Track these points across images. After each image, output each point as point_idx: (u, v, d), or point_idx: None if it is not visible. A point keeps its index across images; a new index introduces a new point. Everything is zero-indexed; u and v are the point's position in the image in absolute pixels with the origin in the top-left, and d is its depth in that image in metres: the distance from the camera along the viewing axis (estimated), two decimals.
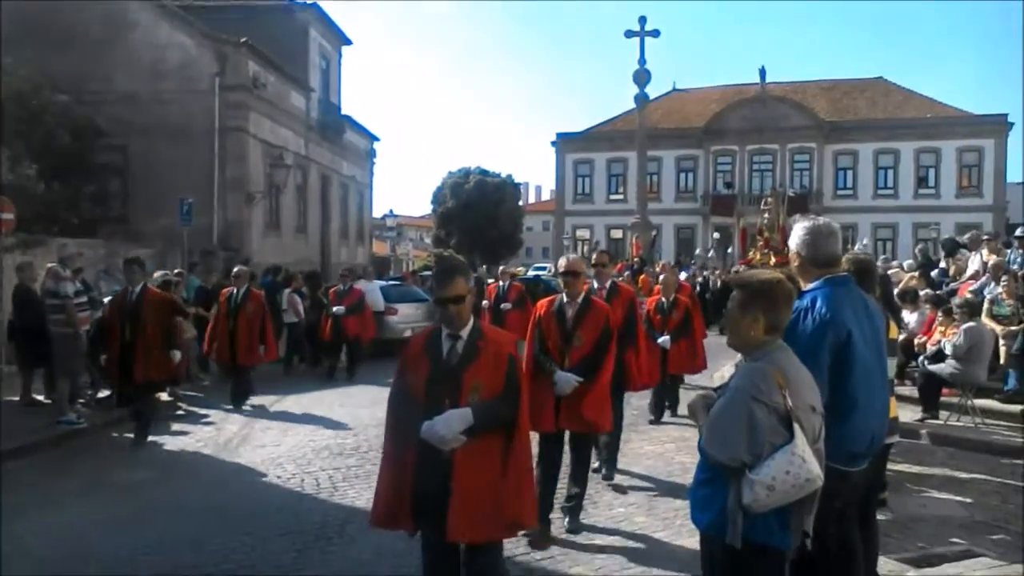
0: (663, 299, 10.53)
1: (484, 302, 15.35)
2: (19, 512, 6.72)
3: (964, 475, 7.85)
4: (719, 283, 23.41)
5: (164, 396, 11.68)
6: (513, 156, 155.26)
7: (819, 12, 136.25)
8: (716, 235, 42.42)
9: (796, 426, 2.91)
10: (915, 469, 8.00)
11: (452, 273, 3.73)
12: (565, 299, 6.00)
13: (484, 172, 53.96)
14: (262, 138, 23.04)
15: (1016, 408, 9.95)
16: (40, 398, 11.13)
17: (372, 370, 14.44)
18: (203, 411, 11.50)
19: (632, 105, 30.81)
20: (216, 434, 10.02)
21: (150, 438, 9.38)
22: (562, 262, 6.30)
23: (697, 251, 39.88)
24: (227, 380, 12.31)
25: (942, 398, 10.21)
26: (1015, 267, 12.41)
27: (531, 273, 35.66)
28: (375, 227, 39.60)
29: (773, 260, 23.36)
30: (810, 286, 3.80)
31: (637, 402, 10.18)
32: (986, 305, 10.91)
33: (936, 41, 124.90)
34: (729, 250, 36.53)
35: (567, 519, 6.10)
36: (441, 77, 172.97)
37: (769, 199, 27.34)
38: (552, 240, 56.51)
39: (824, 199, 46.77)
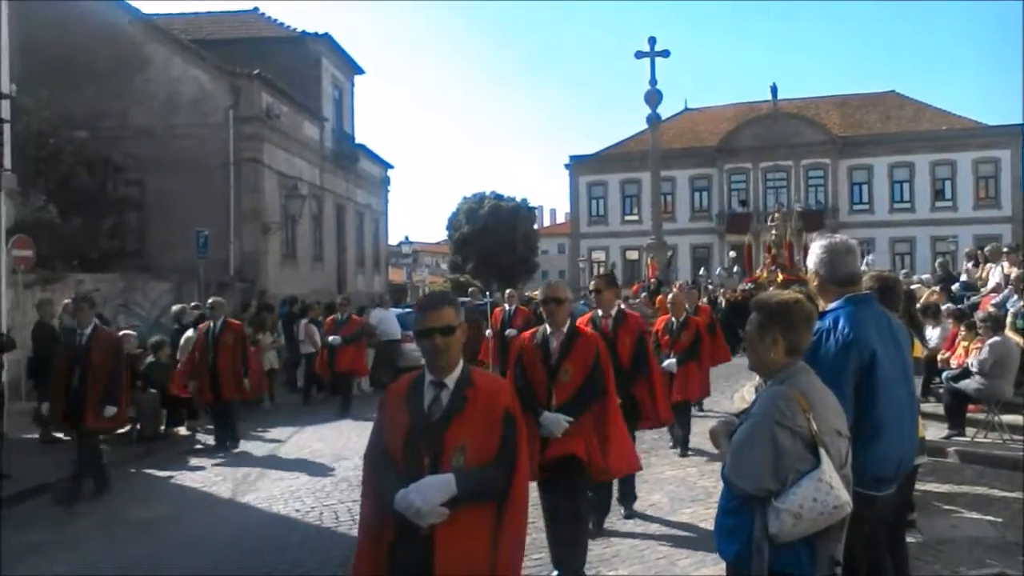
0: (673, 319, 10.08)
1: (488, 331, 14.47)
2: (39, 550, 6.70)
3: (995, 493, 7.67)
4: (724, 303, 22.77)
5: (182, 430, 11.68)
6: (527, 180, 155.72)
7: (829, 28, 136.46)
8: (732, 253, 42.25)
9: (822, 451, 2.83)
10: (944, 488, 7.84)
11: (440, 302, 3.19)
12: (549, 329, 5.34)
13: (499, 196, 54.19)
14: (277, 169, 23.19)
15: None
16: (59, 435, 11.13)
17: None
18: None
19: (644, 126, 30.80)
20: (234, 468, 9.98)
21: (166, 472, 9.34)
22: (542, 288, 5.73)
23: (718, 270, 39.66)
24: (213, 420, 11.45)
25: (968, 414, 10.03)
26: None
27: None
28: (391, 254, 39.73)
29: (780, 277, 23.30)
30: (831, 306, 3.72)
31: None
32: (1010, 319, 10.73)
33: (947, 53, 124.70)
34: (735, 269, 36.39)
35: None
36: (453, 103, 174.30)
37: (776, 215, 27.39)
38: (568, 263, 56.44)
39: (840, 214, 46.54)
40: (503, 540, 3.03)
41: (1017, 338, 10.32)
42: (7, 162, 11.92)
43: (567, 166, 53.34)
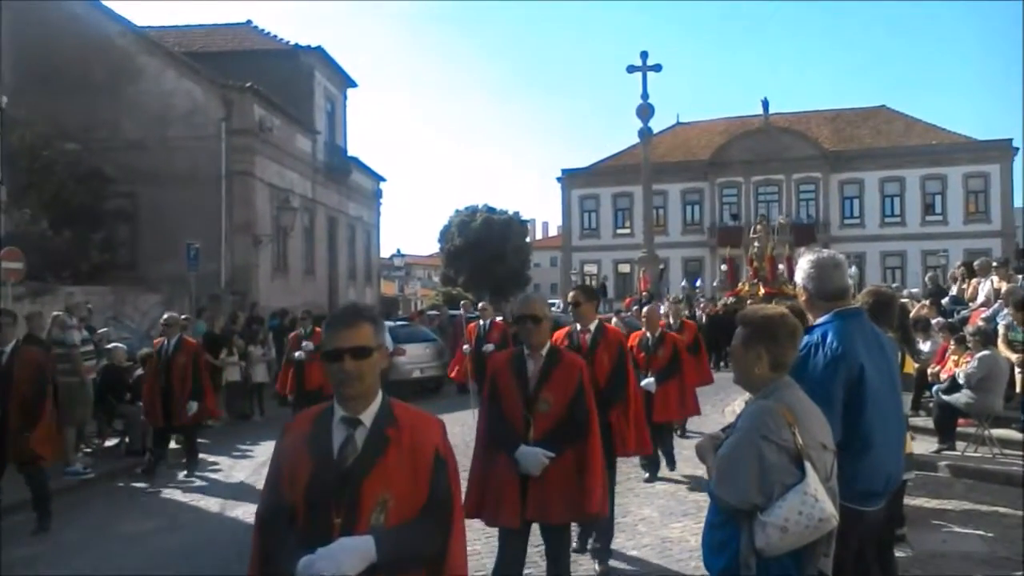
0: (647, 335, 9.25)
1: (465, 346, 13.61)
2: (28, 564, 6.65)
3: (985, 508, 7.67)
4: (704, 317, 22.45)
5: (173, 444, 11.62)
6: (519, 193, 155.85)
7: (820, 43, 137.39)
8: (724, 267, 42.31)
9: (807, 464, 2.83)
10: (933, 503, 7.84)
11: (352, 317, 2.57)
12: (526, 351, 4.65)
13: (491, 209, 54.23)
14: (269, 181, 23.19)
15: None
16: None
17: None
18: (211, 458, 11.41)
19: (636, 139, 30.94)
20: (223, 482, 9.93)
21: (155, 486, 9.28)
22: (516, 304, 5.18)
23: (714, 282, 39.64)
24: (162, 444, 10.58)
25: (959, 428, 10.05)
26: None
27: None
28: (383, 267, 39.67)
29: (762, 291, 23.29)
30: (819, 320, 3.72)
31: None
32: (1001, 331, 10.76)
33: (938, 68, 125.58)
34: (714, 282, 36.43)
35: None
36: (445, 116, 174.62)
37: (758, 227, 27.44)
38: (560, 276, 56.48)
39: (831, 228, 46.73)
40: None
41: (1008, 353, 10.35)
42: None
43: (559, 179, 53.46)
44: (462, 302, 23.35)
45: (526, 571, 4.75)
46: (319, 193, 27.46)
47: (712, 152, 49.59)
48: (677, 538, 6.86)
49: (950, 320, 12.51)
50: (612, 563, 6.12)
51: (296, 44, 27.00)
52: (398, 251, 40.38)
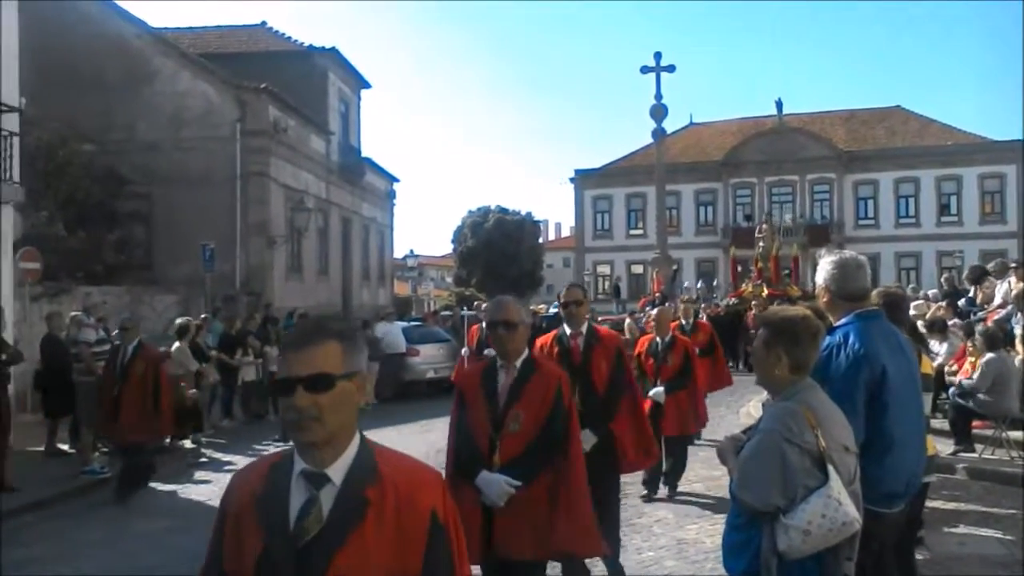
0: (657, 339, 8.53)
1: (464, 349, 13.02)
2: (44, 563, 6.69)
3: (1002, 511, 7.63)
4: (705, 318, 22.11)
5: (187, 443, 11.68)
6: (532, 194, 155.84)
7: (835, 43, 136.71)
8: (739, 268, 42.17)
9: (830, 467, 2.82)
10: (951, 505, 7.80)
11: (311, 337, 1.89)
12: (499, 361, 4.02)
13: (504, 210, 54.24)
14: (283, 182, 23.27)
15: None
16: (64, 447, 11.15)
17: (391, 412, 14.37)
18: (226, 457, 11.47)
19: (650, 140, 30.89)
20: None
21: (170, 486, 9.32)
22: (488, 307, 4.61)
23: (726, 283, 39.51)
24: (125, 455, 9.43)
25: (976, 431, 9.98)
26: None
27: (552, 310, 35.50)
28: (396, 268, 39.75)
29: (766, 292, 23.13)
30: (841, 321, 3.70)
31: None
32: (1019, 332, 10.65)
33: (953, 69, 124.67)
34: (715, 283, 36.29)
35: None
36: (458, 117, 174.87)
37: (763, 227, 27.33)
38: (573, 276, 56.36)
39: (845, 229, 46.49)
40: None
41: None
42: (16, 175, 11.97)
43: (572, 180, 53.42)
44: (475, 303, 23.36)
45: None
46: (333, 194, 27.55)
47: (726, 152, 49.43)
48: (693, 539, 6.84)
49: (968, 320, 12.41)
50: (625, 567, 5.76)
51: (310, 45, 27.10)
52: (411, 251, 40.45)
